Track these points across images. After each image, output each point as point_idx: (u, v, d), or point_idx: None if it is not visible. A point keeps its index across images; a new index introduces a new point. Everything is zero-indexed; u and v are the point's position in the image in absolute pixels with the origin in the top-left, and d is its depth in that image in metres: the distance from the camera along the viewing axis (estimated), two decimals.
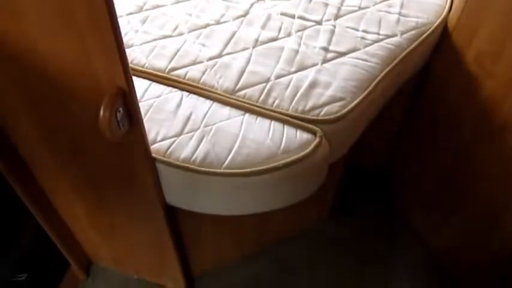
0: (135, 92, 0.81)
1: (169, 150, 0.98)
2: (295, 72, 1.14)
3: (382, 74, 1.16)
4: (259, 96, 1.09)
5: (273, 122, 1.05)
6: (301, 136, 1.03)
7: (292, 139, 1.02)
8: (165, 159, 0.97)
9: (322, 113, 1.06)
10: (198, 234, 1.32)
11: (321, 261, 1.61)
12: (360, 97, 1.11)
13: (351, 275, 1.57)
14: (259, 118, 1.05)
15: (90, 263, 1.57)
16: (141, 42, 1.20)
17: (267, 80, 1.12)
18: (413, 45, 1.23)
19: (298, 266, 1.60)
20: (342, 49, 1.19)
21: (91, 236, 1.38)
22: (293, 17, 1.29)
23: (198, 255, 1.44)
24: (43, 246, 1.32)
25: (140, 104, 0.87)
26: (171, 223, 1.16)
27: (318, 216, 1.68)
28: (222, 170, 0.97)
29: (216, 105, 1.07)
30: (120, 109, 0.78)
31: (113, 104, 0.76)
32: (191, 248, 1.36)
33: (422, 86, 1.42)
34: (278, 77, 1.12)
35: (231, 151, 0.99)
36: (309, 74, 1.13)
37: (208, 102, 1.08)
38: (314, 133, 1.04)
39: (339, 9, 1.31)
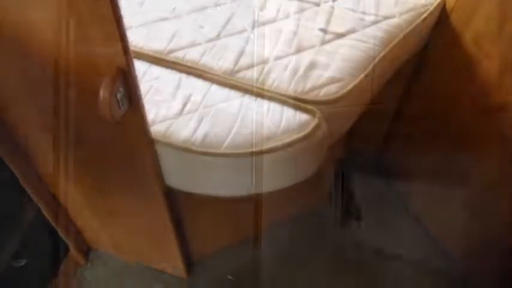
0: (134, 72, 0.80)
1: (168, 131, 0.98)
2: (294, 53, 1.14)
3: (380, 55, 1.16)
4: (258, 78, 1.09)
5: (272, 103, 1.05)
6: (300, 117, 1.03)
7: (292, 120, 1.02)
8: (165, 140, 0.97)
9: (321, 94, 1.06)
10: (198, 217, 1.32)
11: (321, 244, 1.62)
12: (359, 78, 1.11)
13: (351, 259, 1.58)
14: (258, 99, 1.05)
15: (90, 248, 1.57)
16: (139, 24, 1.20)
17: (266, 62, 1.11)
18: (411, 27, 1.23)
19: (298, 249, 1.61)
20: (340, 30, 1.19)
21: (90, 221, 1.38)
22: None
23: (197, 239, 1.44)
24: (42, 231, 1.32)
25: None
26: (171, 206, 1.16)
27: (318, 199, 1.68)
28: (221, 151, 0.97)
29: (215, 87, 1.07)
30: (121, 89, 0.78)
31: (113, 83, 0.76)
32: (190, 232, 1.37)
33: (420, 67, 1.42)
34: (277, 58, 1.12)
35: (230, 132, 0.99)
36: (308, 56, 1.13)
37: (207, 83, 1.08)
38: (313, 114, 1.04)
39: None
